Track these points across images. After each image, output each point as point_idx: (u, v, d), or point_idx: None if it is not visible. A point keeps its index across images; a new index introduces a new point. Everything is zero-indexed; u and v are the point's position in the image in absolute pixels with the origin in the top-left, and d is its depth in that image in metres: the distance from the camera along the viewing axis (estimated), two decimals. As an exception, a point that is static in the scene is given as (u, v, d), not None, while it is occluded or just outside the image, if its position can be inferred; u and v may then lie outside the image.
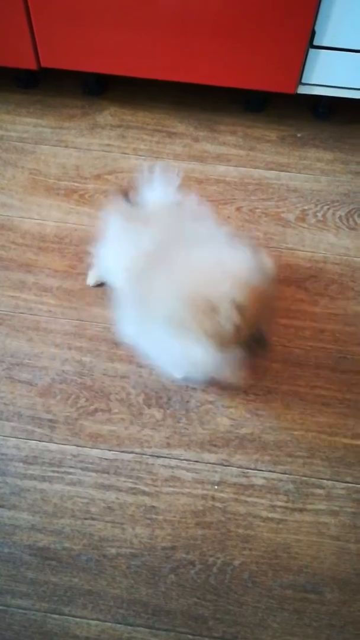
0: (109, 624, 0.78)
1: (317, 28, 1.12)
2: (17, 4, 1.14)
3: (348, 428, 0.93)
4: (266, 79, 1.22)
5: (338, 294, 1.07)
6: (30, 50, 1.24)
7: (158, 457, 0.90)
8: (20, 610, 0.78)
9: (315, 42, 1.15)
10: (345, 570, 0.82)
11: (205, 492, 0.87)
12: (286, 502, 0.86)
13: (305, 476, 0.88)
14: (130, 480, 0.88)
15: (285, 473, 0.89)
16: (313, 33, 1.13)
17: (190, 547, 0.83)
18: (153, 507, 0.86)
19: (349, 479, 0.88)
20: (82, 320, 1.04)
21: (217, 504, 0.86)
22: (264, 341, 0.72)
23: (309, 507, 0.86)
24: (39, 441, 0.91)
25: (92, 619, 0.78)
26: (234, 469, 0.89)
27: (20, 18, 1.17)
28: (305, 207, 1.20)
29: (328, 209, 1.20)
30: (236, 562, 0.82)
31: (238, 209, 1.20)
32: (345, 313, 1.05)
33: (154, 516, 0.85)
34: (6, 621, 0.78)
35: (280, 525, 0.84)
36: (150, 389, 0.97)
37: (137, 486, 0.88)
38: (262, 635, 0.77)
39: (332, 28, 1.12)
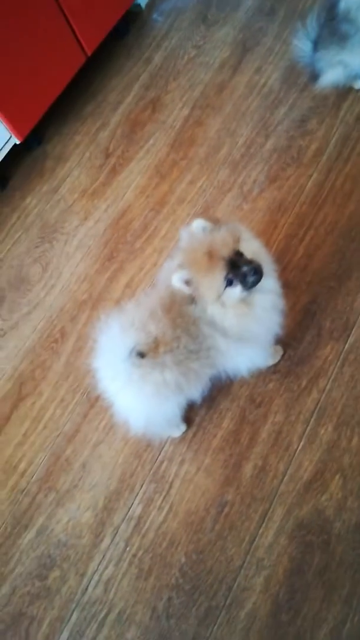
0: None
1: None
2: None
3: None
4: None
5: (40, 376, 1.29)
6: None
7: (85, 589, 1.03)
8: None
9: None
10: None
11: (127, 561, 1.03)
12: (160, 495, 1.06)
13: (150, 469, 1.09)
14: (91, 623, 0.99)
15: (141, 486, 1.08)
16: None
17: (158, 594, 0.98)
18: (118, 613, 0.99)
19: (170, 441, 1.11)
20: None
21: (139, 554, 1.03)
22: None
23: (170, 477, 1.07)
24: None
25: None
26: (122, 525, 1.06)
27: None
28: None
29: None
30: (183, 559, 0.99)
31: None
32: (56, 375, 1.27)
33: (125, 616, 0.99)
34: None
35: (174, 508, 1.04)
36: (32, 571, 1.08)
37: (98, 618, 0.99)
38: (235, 563, 0.96)
39: None
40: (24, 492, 1.14)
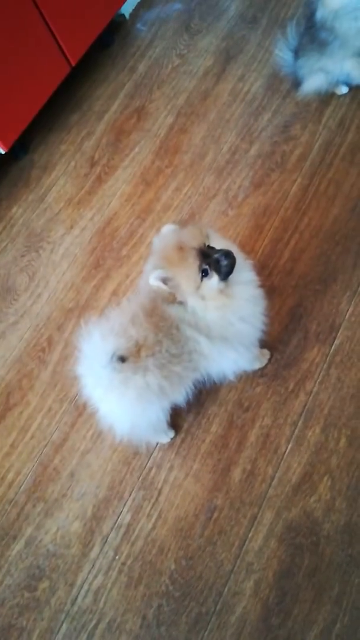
0: None
1: None
2: None
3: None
4: None
5: (27, 384, 1.28)
6: None
7: (75, 599, 1.02)
8: None
9: None
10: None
11: (116, 570, 1.02)
12: (148, 502, 1.05)
13: (139, 477, 1.08)
14: (81, 633, 0.98)
15: (130, 493, 1.08)
16: None
17: (148, 601, 0.97)
18: (108, 622, 0.98)
19: (159, 447, 1.11)
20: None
21: (129, 562, 1.02)
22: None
23: (159, 484, 1.06)
24: None
25: None
26: (111, 534, 1.06)
27: None
28: None
29: None
30: (172, 566, 0.99)
31: None
32: (41, 384, 1.26)
33: (116, 624, 0.97)
34: None
35: (163, 515, 1.03)
36: (21, 581, 1.06)
37: (87, 628, 0.98)
38: (225, 568, 0.95)
39: None
40: (12, 503, 1.13)
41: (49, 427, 1.20)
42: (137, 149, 1.55)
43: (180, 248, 0.80)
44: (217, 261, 0.81)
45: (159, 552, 1.01)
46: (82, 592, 1.02)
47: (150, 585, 0.99)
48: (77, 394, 1.20)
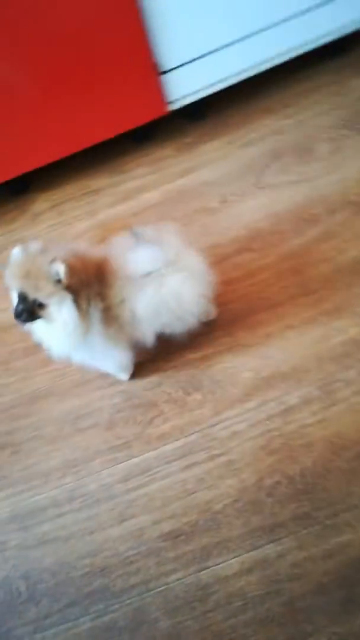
0: (245, 555, 0.98)
1: (157, 60, 1.37)
2: None
3: (338, 330, 1.15)
4: (140, 115, 1.47)
5: (278, 240, 1.30)
6: None
7: (214, 425, 1.11)
8: (177, 582, 0.98)
9: (162, 70, 1.39)
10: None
11: (260, 430, 1.08)
12: (320, 404, 1.08)
13: (323, 379, 1.10)
14: (203, 452, 1.09)
15: (309, 385, 1.10)
16: (156, 65, 1.38)
17: (272, 472, 1.04)
18: (230, 460, 1.07)
19: (357, 364, 1.10)
20: (106, 362, 1.26)
21: (274, 433, 1.07)
22: None
23: (339, 397, 1.07)
24: (125, 462, 1.12)
25: (231, 559, 0.98)
26: (272, 402, 1.11)
27: None
28: (222, 191, 1.44)
29: (239, 183, 1.44)
30: (309, 464, 1.03)
31: (173, 219, 1.44)
32: (290, 249, 1.28)
33: (234, 467, 1.06)
34: (172, 595, 0.98)
35: (326, 422, 1.06)
36: (183, 382, 1.18)
37: (211, 453, 1.09)
38: (352, 500, 0.97)
39: (168, 54, 1.37)
40: (207, 321, 1.22)
41: (274, 286, 1.24)
42: None
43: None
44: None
45: (305, 446, 1.05)
46: (223, 424, 1.11)
47: (281, 463, 1.04)
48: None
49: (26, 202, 1.64)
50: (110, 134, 1.49)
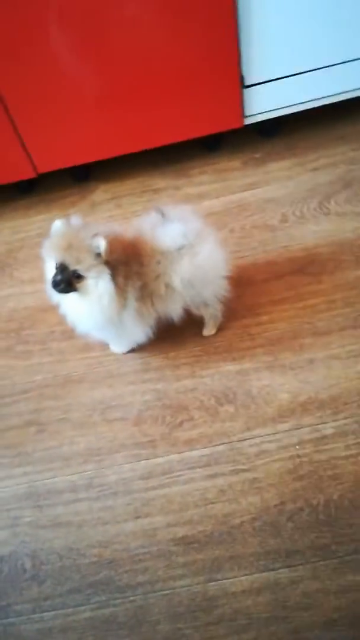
0: (256, 574, 0.97)
1: (244, 73, 1.39)
2: (4, 125, 1.40)
3: (382, 367, 1.14)
4: (216, 124, 1.49)
5: (335, 268, 1.30)
6: (27, 163, 1.51)
7: (243, 440, 1.11)
8: (183, 589, 0.97)
9: (246, 84, 1.41)
10: None
11: (290, 453, 1.07)
12: (355, 439, 1.07)
13: (362, 414, 1.09)
14: (229, 464, 1.08)
15: (347, 418, 1.09)
16: (242, 78, 1.39)
17: (295, 498, 1.02)
18: (255, 478, 1.06)
19: None
20: (143, 358, 1.27)
21: (304, 459, 1.06)
22: None
23: (375, 435, 1.06)
24: (147, 459, 1.12)
25: (242, 576, 0.97)
26: (306, 428, 1.10)
27: (11, 136, 1.43)
28: (284, 210, 1.44)
29: (302, 205, 1.44)
30: (335, 496, 1.01)
31: (231, 230, 1.45)
32: (347, 281, 1.27)
33: (258, 485, 1.05)
34: (176, 600, 0.97)
35: (359, 457, 1.04)
36: (217, 391, 1.18)
37: (236, 467, 1.08)
38: (375, 541, 0.96)
39: (255, 70, 1.38)
40: (250, 335, 1.22)
41: (323, 313, 1.23)
42: None
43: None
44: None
45: (333, 478, 1.03)
46: (253, 441, 1.10)
47: (306, 491, 1.03)
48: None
49: (87, 190, 1.66)
50: (183, 137, 1.50)
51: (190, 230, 1.00)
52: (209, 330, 1.24)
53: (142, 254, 1.00)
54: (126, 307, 1.02)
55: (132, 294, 1.01)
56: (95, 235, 0.94)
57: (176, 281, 1.01)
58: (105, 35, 1.26)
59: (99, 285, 0.97)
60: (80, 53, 1.29)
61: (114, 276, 0.96)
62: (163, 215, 1.01)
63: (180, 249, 0.99)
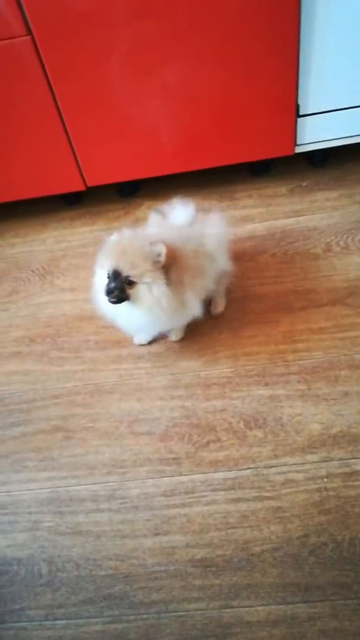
0: (273, 606, 0.94)
1: (300, 102, 1.40)
2: (60, 137, 1.45)
3: None
4: (267, 150, 1.50)
5: (377, 302, 1.28)
6: (77, 176, 1.55)
7: (270, 467, 1.09)
8: (198, 612, 0.96)
9: (301, 113, 1.43)
10: None
11: (317, 485, 1.05)
12: (386, 477, 1.04)
13: (395, 453, 1.06)
14: (253, 490, 1.07)
15: (378, 455, 1.07)
16: (297, 107, 1.41)
17: (320, 532, 1.00)
18: (279, 507, 1.04)
19: None
20: (174, 374, 1.27)
21: (331, 493, 1.04)
22: None
23: None
24: (171, 477, 1.12)
25: (258, 606, 0.95)
26: (336, 462, 1.07)
27: (65, 149, 1.48)
28: (328, 240, 1.44)
29: (347, 236, 1.44)
30: (360, 535, 0.98)
31: (273, 255, 1.45)
32: (388, 316, 1.26)
33: (281, 514, 1.03)
34: (189, 623, 0.95)
35: (388, 497, 1.02)
36: (246, 415, 1.17)
37: (261, 493, 1.06)
38: None
39: (311, 100, 1.40)
40: (285, 362, 1.21)
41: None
42: None
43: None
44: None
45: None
46: (280, 469, 1.08)
47: (331, 525, 1.00)
48: None
49: (131, 205, 1.69)
50: (233, 161, 1.52)
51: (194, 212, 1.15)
52: (217, 308, 1.32)
53: (174, 248, 1.05)
54: (184, 293, 1.07)
55: (185, 281, 1.07)
56: (154, 242, 0.99)
57: (210, 244, 1.13)
58: (165, 63, 1.30)
59: (153, 291, 1.01)
60: (139, 77, 1.33)
61: (168, 277, 1.01)
62: (162, 214, 1.13)
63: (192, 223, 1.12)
